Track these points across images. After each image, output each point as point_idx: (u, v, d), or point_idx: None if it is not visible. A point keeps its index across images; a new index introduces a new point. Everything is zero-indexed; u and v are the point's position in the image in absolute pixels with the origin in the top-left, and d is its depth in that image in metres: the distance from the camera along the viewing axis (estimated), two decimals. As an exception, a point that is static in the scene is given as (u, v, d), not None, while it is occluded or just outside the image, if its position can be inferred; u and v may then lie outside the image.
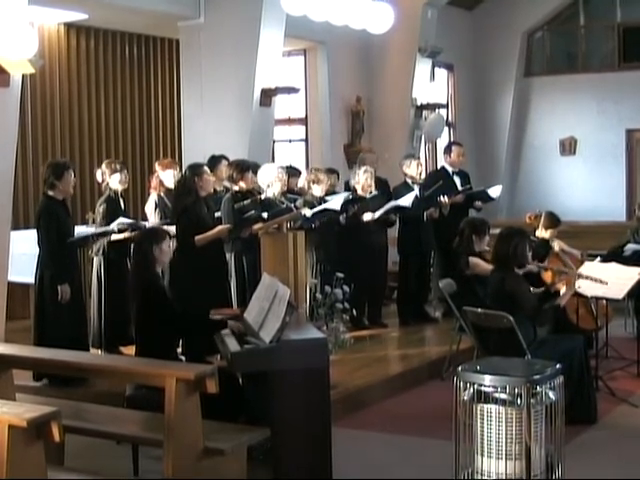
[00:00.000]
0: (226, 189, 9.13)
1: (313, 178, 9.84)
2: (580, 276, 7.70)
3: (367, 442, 6.88)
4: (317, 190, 9.72)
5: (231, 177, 8.79)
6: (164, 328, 6.13)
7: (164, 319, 6.13)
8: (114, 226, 8.43)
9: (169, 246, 6.49)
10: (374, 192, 10.07)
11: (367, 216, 9.83)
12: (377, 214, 9.84)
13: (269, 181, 8.96)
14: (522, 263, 7.43)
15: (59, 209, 7.82)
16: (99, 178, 9.07)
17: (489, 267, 8.00)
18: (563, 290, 7.45)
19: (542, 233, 9.11)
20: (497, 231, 7.81)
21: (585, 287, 7.77)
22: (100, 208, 8.82)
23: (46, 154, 11.35)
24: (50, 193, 7.82)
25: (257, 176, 8.95)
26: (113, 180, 8.84)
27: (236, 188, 8.74)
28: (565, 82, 16.72)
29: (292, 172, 10.11)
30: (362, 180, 10.00)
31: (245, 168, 8.79)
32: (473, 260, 8.33)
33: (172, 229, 8.07)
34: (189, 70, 11.51)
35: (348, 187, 10.43)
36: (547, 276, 8.07)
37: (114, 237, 8.56)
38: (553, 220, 9.22)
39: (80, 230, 8.50)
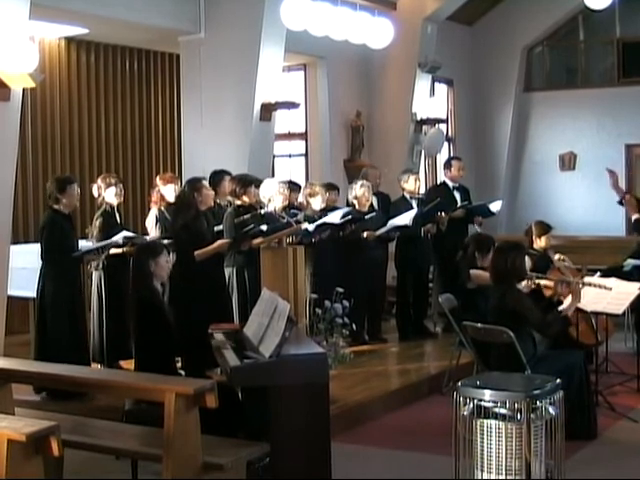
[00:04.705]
0: (230, 203, 9.14)
1: (310, 191, 9.91)
2: (584, 284, 7.68)
3: (367, 457, 6.86)
4: (316, 203, 9.76)
5: (234, 192, 8.77)
6: (160, 345, 6.12)
7: (160, 337, 6.12)
8: (118, 238, 8.42)
9: (167, 260, 6.41)
10: (374, 208, 10.09)
11: (367, 233, 9.85)
12: (377, 233, 9.87)
13: (270, 195, 8.98)
14: (521, 276, 7.40)
15: (64, 223, 7.89)
16: (95, 193, 9.09)
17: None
18: (567, 300, 7.42)
19: (538, 243, 9.11)
20: (497, 247, 7.80)
21: (586, 302, 7.76)
22: (97, 222, 8.82)
23: (46, 168, 11.36)
24: (56, 207, 7.93)
25: (259, 190, 8.96)
26: (108, 194, 8.86)
27: (239, 203, 8.74)
28: (565, 97, 16.72)
29: (292, 187, 10.12)
30: (360, 194, 10.04)
31: (248, 183, 8.79)
32: (474, 272, 8.34)
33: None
34: (189, 85, 11.52)
35: (347, 203, 10.43)
36: (548, 291, 8.05)
37: (112, 251, 8.56)
38: (543, 226, 9.25)
39: (83, 244, 8.50)
